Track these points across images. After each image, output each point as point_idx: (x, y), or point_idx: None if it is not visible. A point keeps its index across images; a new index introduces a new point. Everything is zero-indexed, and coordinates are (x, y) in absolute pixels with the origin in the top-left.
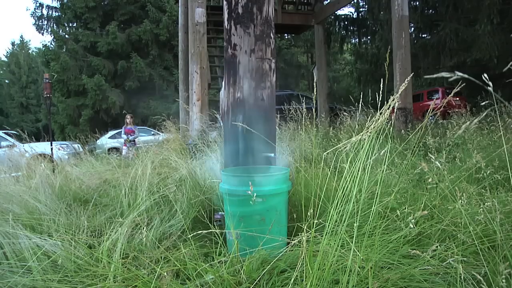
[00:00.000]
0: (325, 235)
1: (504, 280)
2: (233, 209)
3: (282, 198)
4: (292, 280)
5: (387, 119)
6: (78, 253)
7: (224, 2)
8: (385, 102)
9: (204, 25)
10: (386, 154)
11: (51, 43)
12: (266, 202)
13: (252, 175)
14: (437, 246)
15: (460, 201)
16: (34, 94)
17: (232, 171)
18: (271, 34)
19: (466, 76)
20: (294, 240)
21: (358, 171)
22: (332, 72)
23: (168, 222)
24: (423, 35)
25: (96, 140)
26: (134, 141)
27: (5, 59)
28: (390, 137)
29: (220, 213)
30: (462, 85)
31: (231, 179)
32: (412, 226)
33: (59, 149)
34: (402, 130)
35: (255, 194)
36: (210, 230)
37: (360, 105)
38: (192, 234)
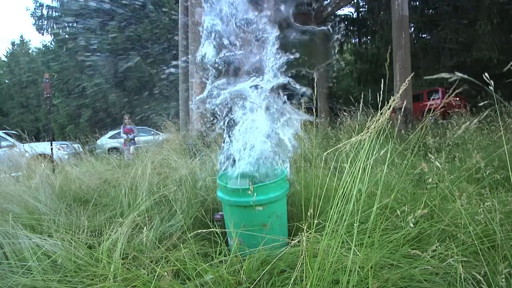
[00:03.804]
0: (325, 235)
1: (503, 280)
2: (234, 218)
3: (281, 202)
4: (292, 280)
5: (387, 119)
6: (78, 253)
7: None
8: (385, 102)
9: None
10: (388, 155)
11: (51, 43)
12: (266, 210)
13: (251, 183)
14: (437, 246)
15: (460, 201)
16: (34, 94)
17: (229, 177)
18: None
19: (466, 76)
20: (294, 240)
21: (358, 171)
22: (332, 72)
23: (168, 222)
24: (423, 35)
25: (96, 140)
26: (134, 139)
27: (5, 59)
28: (390, 137)
29: (220, 213)
30: (463, 87)
31: (230, 189)
32: (412, 226)
33: (59, 149)
34: (402, 130)
35: (255, 204)
36: (210, 230)
37: (360, 105)
38: (192, 234)
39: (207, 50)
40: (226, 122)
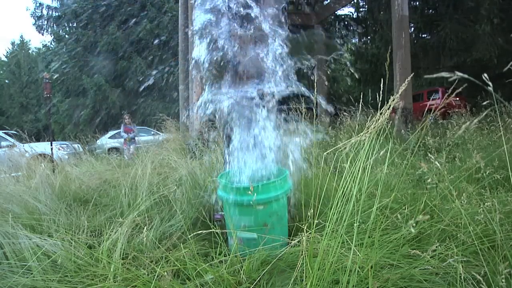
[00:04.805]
0: (325, 235)
1: (503, 280)
2: (234, 217)
3: (282, 201)
4: (292, 280)
5: (387, 119)
6: (78, 253)
7: None
8: (385, 102)
9: None
10: (387, 155)
11: (51, 43)
12: (267, 209)
13: (251, 184)
14: (437, 246)
15: (459, 201)
16: (34, 94)
17: (229, 176)
18: None
19: (466, 76)
20: (294, 240)
21: (358, 171)
22: (332, 72)
23: (168, 222)
24: (423, 35)
25: (96, 140)
26: (134, 139)
27: (5, 59)
28: (390, 137)
29: (220, 213)
30: (463, 86)
31: (230, 188)
32: (412, 231)
33: (59, 149)
34: (402, 130)
35: (256, 203)
36: (210, 230)
37: (360, 105)
38: (192, 234)
39: (200, 50)
40: (226, 135)
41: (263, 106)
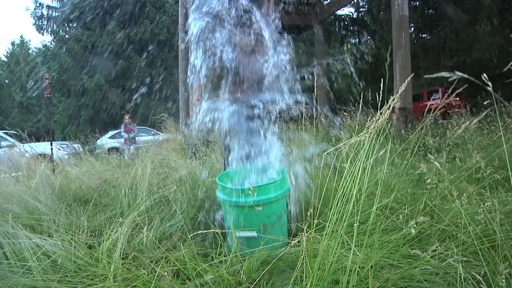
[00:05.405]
0: (325, 235)
1: (504, 280)
2: (233, 218)
3: (281, 202)
4: (292, 280)
5: (387, 119)
6: (78, 253)
7: None
8: (385, 102)
9: None
10: (387, 155)
11: (51, 43)
12: (266, 210)
13: (251, 183)
14: (437, 246)
15: (459, 201)
16: (34, 94)
17: (228, 177)
18: None
19: (466, 76)
20: (294, 240)
21: (358, 171)
22: (331, 72)
23: (168, 222)
24: (423, 35)
25: (96, 140)
26: (134, 138)
27: (5, 59)
28: (390, 137)
29: (220, 213)
30: (463, 87)
31: (229, 189)
32: (413, 231)
33: (59, 149)
34: (402, 130)
35: (255, 204)
36: (210, 230)
37: (360, 105)
38: (192, 234)
39: (197, 57)
40: (225, 133)
41: (263, 108)
